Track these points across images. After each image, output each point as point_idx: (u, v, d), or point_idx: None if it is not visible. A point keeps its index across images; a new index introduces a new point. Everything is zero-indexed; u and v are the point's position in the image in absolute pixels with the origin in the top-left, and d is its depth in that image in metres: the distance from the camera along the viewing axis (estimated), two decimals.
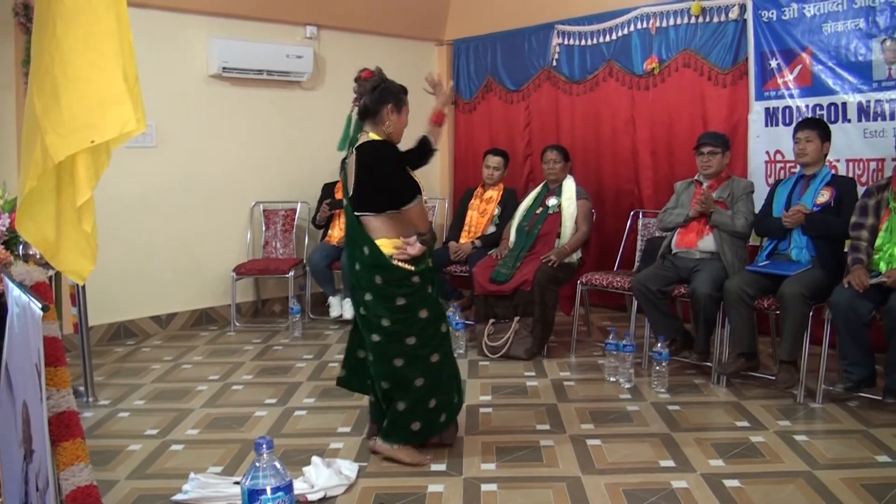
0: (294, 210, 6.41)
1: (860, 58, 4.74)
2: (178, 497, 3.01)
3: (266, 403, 4.20)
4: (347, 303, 5.93)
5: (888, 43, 4.61)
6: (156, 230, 5.80)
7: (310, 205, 6.42)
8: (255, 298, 6.43)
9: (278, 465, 2.08)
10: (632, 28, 5.94)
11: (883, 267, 3.89)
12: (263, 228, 6.35)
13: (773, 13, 5.11)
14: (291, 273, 5.90)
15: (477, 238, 5.70)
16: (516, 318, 5.01)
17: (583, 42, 6.29)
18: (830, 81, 4.89)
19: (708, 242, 4.61)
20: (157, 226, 5.80)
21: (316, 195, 6.32)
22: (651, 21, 5.80)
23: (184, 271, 5.98)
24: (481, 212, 5.82)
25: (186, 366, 4.99)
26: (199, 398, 4.31)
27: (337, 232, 6.09)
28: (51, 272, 2.44)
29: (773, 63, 5.14)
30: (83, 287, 4.14)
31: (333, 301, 6.03)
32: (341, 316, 5.98)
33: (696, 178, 4.85)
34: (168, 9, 5.70)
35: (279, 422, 3.91)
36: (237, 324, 6.01)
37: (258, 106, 6.29)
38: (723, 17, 5.41)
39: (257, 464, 2.04)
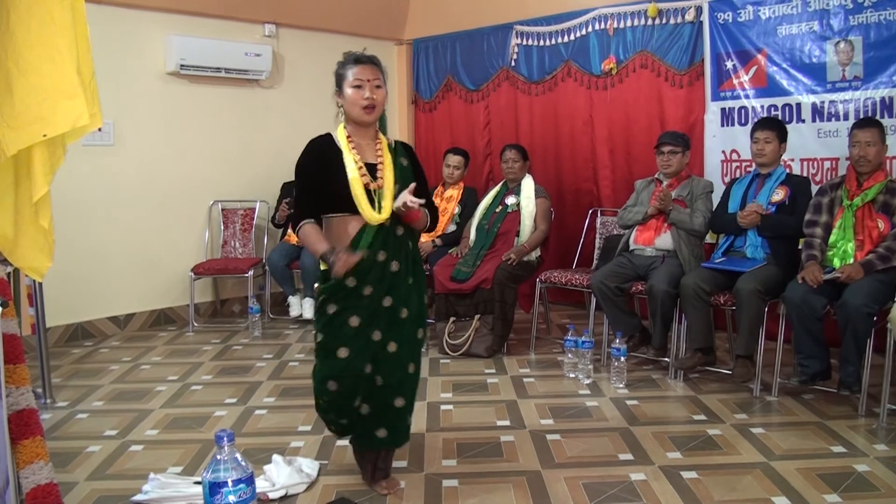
0: (253, 209, 6.36)
1: (814, 59, 4.85)
2: (138, 497, 2.97)
3: (226, 403, 4.15)
4: (307, 302, 5.91)
5: (842, 45, 4.72)
6: (113, 230, 5.71)
7: (269, 204, 6.38)
8: (214, 298, 6.37)
9: (239, 458, 2.07)
10: (589, 29, 6.00)
11: (836, 263, 3.98)
12: (222, 228, 6.28)
13: (728, 15, 5.20)
14: (251, 272, 5.86)
15: (437, 237, 5.70)
16: (477, 316, 5.02)
17: (541, 42, 6.34)
18: (785, 82, 4.99)
19: (665, 240, 4.66)
20: (114, 225, 5.72)
21: (275, 194, 6.29)
22: (608, 22, 5.87)
23: (142, 271, 5.90)
24: (442, 210, 5.81)
25: (145, 366, 4.93)
26: (158, 399, 4.25)
27: None
28: (8, 269, 2.39)
29: (729, 64, 5.23)
30: (40, 287, 4.06)
31: (293, 300, 6.00)
32: (301, 315, 5.96)
33: (656, 176, 4.91)
34: (126, 5, 5.62)
35: (239, 421, 3.87)
36: (196, 324, 5.94)
37: (216, 104, 6.23)
38: (679, 19, 5.50)
39: (218, 456, 2.02)
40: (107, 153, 5.63)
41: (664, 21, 5.58)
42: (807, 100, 4.90)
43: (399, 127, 7.56)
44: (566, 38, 6.17)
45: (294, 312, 5.99)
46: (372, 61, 2.88)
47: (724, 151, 5.33)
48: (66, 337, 5.54)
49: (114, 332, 5.78)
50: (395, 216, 2.84)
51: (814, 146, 4.89)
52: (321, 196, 2.85)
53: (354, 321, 2.80)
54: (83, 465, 3.34)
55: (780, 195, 4.33)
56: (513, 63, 6.56)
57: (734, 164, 5.29)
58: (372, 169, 2.85)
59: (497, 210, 5.35)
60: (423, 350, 2.91)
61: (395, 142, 2.99)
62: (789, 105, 4.98)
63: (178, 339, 5.65)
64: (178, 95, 6.01)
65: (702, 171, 5.40)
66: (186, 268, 5.95)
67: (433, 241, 5.67)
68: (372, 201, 2.80)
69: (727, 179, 5.19)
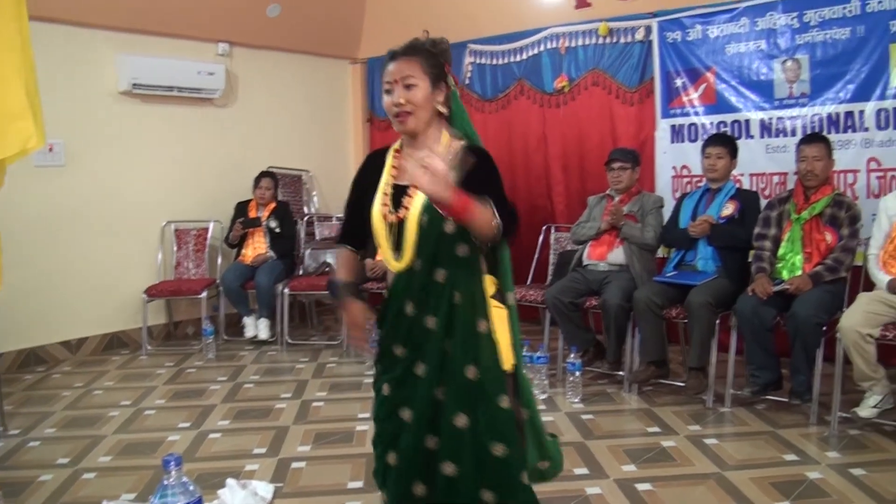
0: (206, 229, 6.28)
1: (762, 77, 4.96)
2: None
3: (179, 427, 4.07)
4: (262, 323, 5.85)
5: (789, 63, 4.84)
6: (64, 252, 5.60)
7: (223, 224, 6.31)
8: (168, 321, 6.26)
9: (187, 482, 2.02)
10: (542, 48, 6.07)
11: (785, 275, 4.05)
12: (175, 248, 6.19)
13: (677, 34, 5.30)
14: (204, 294, 5.78)
15: None
16: None
17: (494, 61, 6.39)
18: (734, 99, 5.10)
19: (618, 255, 4.70)
20: (65, 247, 5.60)
21: (229, 214, 6.22)
22: (560, 41, 5.94)
23: (94, 294, 5.78)
24: None
25: (98, 392, 4.82)
26: (111, 424, 4.16)
27: (251, 251, 6.02)
28: None
29: (679, 82, 5.33)
30: None
31: (248, 321, 5.93)
32: (256, 336, 5.88)
33: (607, 192, 4.95)
34: (77, 24, 5.54)
35: (193, 445, 3.80)
36: (149, 347, 5.82)
37: (169, 123, 6.16)
38: (629, 38, 5.58)
39: (165, 482, 1.98)
40: (58, 174, 5.53)
41: (615, 40, 5.66)
42: (755, 116, 5.01)
43: (355, 145, 7.54)
44: (519, 57, 6.23)
45: (249, 333, 5.91)
46: (408, 52, 2.14)
47: (674, 167, 5.41)
48: (18, 363, 5.40)
49: (66, 357, 5.65)
50: (430, 260, 2.10)
51: (762, 161, 4.99)
52: (363, 213, 2.21)
53: (386, 389, 2.19)
54: (35, 494, 3.24)
55: (729, 209, 4.40)
56: (467, 81, 6.60)
57: (685, 180, 5.37)
58: (403, 193, 2.12)
59: None
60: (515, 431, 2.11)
61: (464, 148, 2.12)
62: (738, 121, 5.08)
63: (131, 363, 5.54)
64: (131, 115, 5.92)
65: (653, 186, 5.47)
66: (139, 290, 5.84)
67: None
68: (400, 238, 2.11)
69: (678, 194, 5.26)
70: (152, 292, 5.78)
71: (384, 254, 2.17)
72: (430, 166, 1.82)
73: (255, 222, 6.02)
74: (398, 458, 2.12)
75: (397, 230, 2.11)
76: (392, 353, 2.18)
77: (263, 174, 6.19)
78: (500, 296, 2.21)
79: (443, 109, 2.15)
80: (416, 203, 2.08)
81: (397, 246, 2.12)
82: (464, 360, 2.07)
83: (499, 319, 2.16)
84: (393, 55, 2.15)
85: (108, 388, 4.89)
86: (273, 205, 6.14)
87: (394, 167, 2.19)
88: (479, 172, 2.06)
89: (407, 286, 2.13)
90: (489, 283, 2.17)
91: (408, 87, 2.09)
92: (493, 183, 2.08)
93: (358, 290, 2.24)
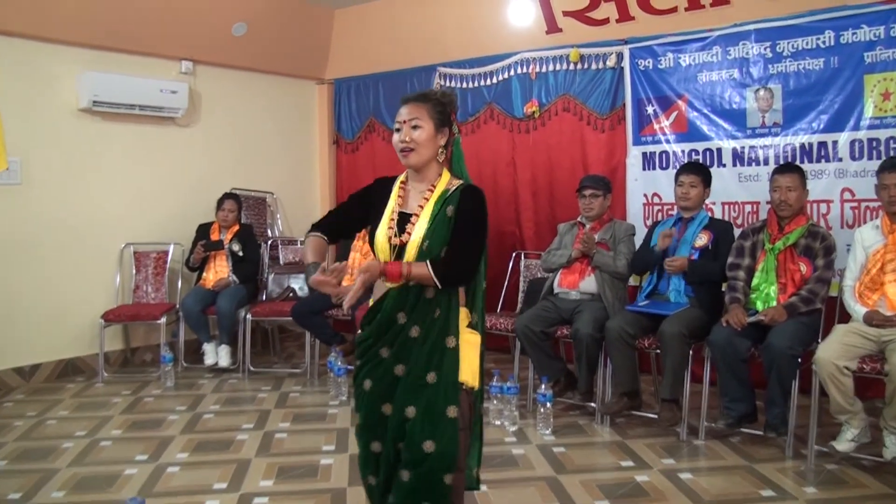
0: (166, 252, 6.15)
1: (735, 106, 4.99)
2: None
3: (136, 460, 3.91)
4: (223, 350, 5.72)
5: (762, 92, 4.87)
6: (18, 274, 5.43)
7: (183, 246, 6.16)
8: (125, 347, 6.08)
9: None
10: (512, 72, 6.05)
11: (759, 305, 4.04)
12: (134, 271, 6.04)
13: (649, 62, 5.31)
14: (163, 319, 5.64)
15: None
16: None
17: (464, 85, 6.35)
18: (706, 128, 5.11)
19: (589, 283, 4.67)
20: (19, 269, 5.43)
21: (190, 236, 6.08)
22: (531, 66, 5.93)
23: (48, 319, 5.59)
24: (364, 253, 5.72)
25: (51, 421, 4.63)
26: (64, 457, 3.98)
27: (212, 275, 5.90)
28: None
29: (650, 109, 5.33)
30: None
31: (208, 348, 5.77)
32: (216, 364, 5.73)
33: (578, 219, 4.92)
34: (38, 39, 5.41)
35: (151, 480, 3.64)
36: (105, 374, 5.64)
37: (130, 142, 6.03)
38: (601, 65, 5.59)
39: None
40: (13, 193, 5.37)
41: (586, 66, 5.66)
42: (727, 145, 5.02)
43: (321, 168, 7.46)
44: (489, 81, 6.20)
45: (209, 361, 5.76)
46: (419, 99, 2.50)
47: (645, 195, 5.41)
48: None
49: (18, 385, 5.44)
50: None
51: (735, 190, 5.00)
52: (348, 223, 2.61)
53: (367, 384, 2.48)
54: None
55: (703, 240, 4.39)
56: None
57: (656, 208, 5.36)
58: (407, 220, 2.47)
59: None
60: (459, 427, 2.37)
61: (461, 186, 2.48)
62: (710, 150, 5.10)
63: (87, 391, 5.35)
64: (91, 133, 5.79)
65: (624, 214, 5.45)
66: (96, 314, 5.67)
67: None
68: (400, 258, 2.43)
69: (649, 222, 5.25)
70: (109, 317, 5.63)
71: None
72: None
73: (218, 245, 5.91)
74: (383, 446, 2.45)
75: (399, 252, 2.42)
76: (378, 355, 2.46)
77: (226, 196, 6.09)
78: (474, 325, 2.51)
79: (442, 151, 2.49)
80: (417, 230, 2.41)
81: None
82: (427, 367, 2.40)
83: (470, 344, 2.46)
84: (406, 100, 2.51)
85: (62, 418, 4.71)
86: (236, 227, 6.05)
87: (399, 196, 2.51)
88: (465, 217, 2.42)
89: (402, 299, 2.42)
90: (464, 314, 2.47)
91: (414, 127, 2.44)
92: (467, 232, 2.42)
93: (318, 265, 2.41)
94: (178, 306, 5.88)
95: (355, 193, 2.65)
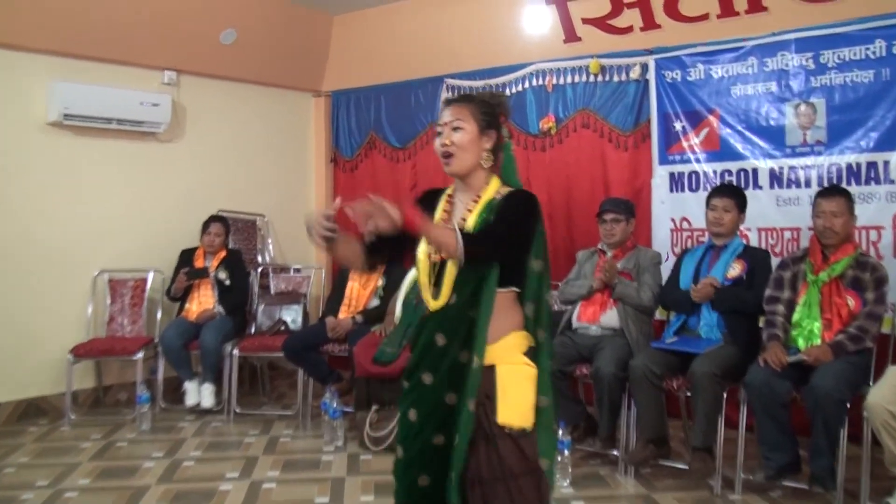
0: (145, 280, 6.14)
1: (772, 122, 4.97)
2: None
3: None
4: (206, 389, 5.69)
5: (803, 107, 4.85)
6: None
7: (164, 274, 6.17)
8: (97, 385, 6.05)
9: None
10: (527, 84, 6.05)
11: (801, 343, 3.99)
12: (108, 301, 6.03)
13: (677, 74, 5.31)
14: (140, 354, 5.61)
15: (358, 313, 5.59)
16: None
17: None
18: (740, 146, 5.09)
19: (611, 317, 4.64)
20: None
21: (172, 262, 6.09)
22: (547, 78, 5.93)
23: (10, 353, 5.56)
24: (363, 283, 5.71)
25: (9, 469, 4.60)
26: None
27: (196, 306, 5.90)
28: None
29: (678, 125, 5.32)
30: None
31: (189, 387, 5.74)
32: (198, 404, 5.70)
33: (598, 246, 4.91)
34: (2, 46, 5.43)
35: None
36: (73, 416, 5.59)
37: (105, 159, 6.04)
38: (624, 77, 5.59)
39: None
40: None
41: (607, 78, 5.66)
42: (764, 165, 4.99)
43: (316, 188, 7.47)
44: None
45: (190, 401, 5.72)
46: (462, 100, 2.54)
47: (673, 219, 5.38)
48: None
49: None
50: (466, 298, 2.37)
51: (773, 214, 4.96)
52: (388, 239, 2.42)
53: (412, 415, 2.46)
54: None
55: (736, 270, 4.36)
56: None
57: (685, 234, 5.32)
58: None
59: None
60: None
61: (507, 194, 2.46)
62: (745, 170, 5.07)
63: (51, 434, 5.32)
64: (61, 149, 5.80)
65: (649, 240, 5.42)
66: (64, 349, 5.63)
67: (353, 317, 5.54)
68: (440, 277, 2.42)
69: (677, 250, 5.22)
70: (80, 352, 5.61)
71: (424, 291, 2.47)
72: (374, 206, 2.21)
73: (202, 273, 5.90)
74: (430, 479, 2.42)
75: (438, 270, 2.42)
76: (421, 381, 2.44)
77: (213, 219, 6.09)
78: (534, 353, 2.41)
79: (487, 155, 2.46)
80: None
81: (437, 284, 2.42)
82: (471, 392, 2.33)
83: (524, 377, 2.37)
84: (448, 102, 2.53)
85: (22, 465, 4.67)
86: (223, 253, 6.04)
87: (445, 210, 2.53)
88: (505, 207, 2.39)
89: (441, 321, 2.40)
90: (521, 339, 2.39)
91: (455, 129, 2.44)
92: (506, 214, 2.38)
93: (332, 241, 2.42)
94: (156, 340, 5.86)
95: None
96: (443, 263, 2.40)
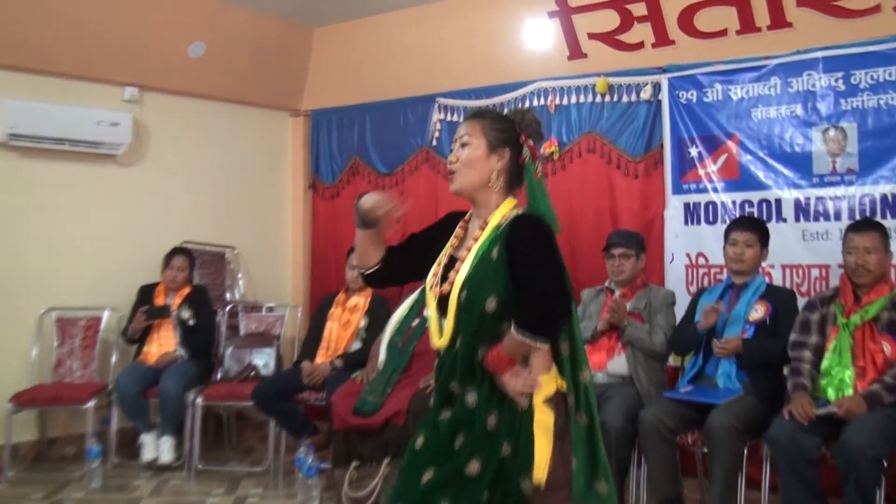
0: (99, 319, 6.13)
1: (798, 148, 4.99)
2: None
3: None
4: (166, 442, 5.66)
5: (832, 133, 4.87)
6: None
7: (121, 312, 6.16)
8: (40, 437, 6.01)
9: None
10: (527, 104, 6.06)
11: (831, 394, 3.97)
12: (56, 343, 6.01)
13: (692, 94, 5.34)
14: (92, 403, 5.58)
15: (338, 357, 5.59)
16: (386, 460, 4.83)
17: None
18: (762, 174, 5.10)
19: (619, 363, 4.66)
20: None
21: (130, 300, 6.09)
22: (550, 98, 5.96)
23: None
24: (343, 323, 5.70)
25: None
26: None
27: (155, 348, 5.88)
28: None
29: (694, 151, 5.34)
30: None
31: (147, 440, 5.70)
32: (156, 459, 5.66)
33: (606, 284, 4.93)
34: None
35: None
36: (12, 472, 5.55)
37: (57, 184, 6.06)
38: (633, 97, 5.62)
39: None
40: None
41: (616, 98, 5.69)
42: (789, 195, 5.01)
43: (293, 217, 7.48)
44: None
45: (148, 455, 5.68)
46: (476, 115, 2.62)
47: (688, 254, 5.38)
48: None
49: None
50: (471, 339, 2.43)
51: (798, 250, 4.97)
52: (404, 261, 2.69)
53: (419, 442, 2.53)
54: None
55: (759, 312, 4.37)
56: (434, 142, 6.58)
57: (701, 271, 5.33)
58: (453, 265, 2.54)
59: (414, 324, 5.26)
60: None
61: (513, 219, 2.48)
62: (767, 200, 5.08)
63: None
64: (6, 172, 5.83)
65: (662, 278, 5.43)
66: (4, 396, 5.60)
67: (332, 361, 5.54)
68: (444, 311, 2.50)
69: (693, 289, 5.22)
70: (22, 400, 5.58)
71: (431, 327, 2.56)
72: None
73: (163, 312, 5.90)
74: (398, 484, 2.51)
75: (444, 304, 2.47)
76: (439, 413, 2.52)
77: (176, 251, 6.11)
78: (560, 397, 2.43)
79: (497, 176, 2.50)
80: (458, 278, 2.44)
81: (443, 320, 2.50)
82: (470, 453, 2.38)
83: (539, 428, 2.37)
84: (466, 117, 2.63)
85: None
86: (187, 290, 6.06)
87: (456, 237, 2.61)
88: (521, 249, 2.37)
89: (451, 366, 2.47)
90: (546, 382, 2.40)
91: (463, 145, 2.52)
92: (531, 263, 2.36)
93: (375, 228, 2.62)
94: (110, 387, 5.82)
95: (429, 227, 2.76)
96: (445, 298, 2.46)
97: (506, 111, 5.95)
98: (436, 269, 2.56)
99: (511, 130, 2.53)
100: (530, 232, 2.40)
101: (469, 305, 2.39)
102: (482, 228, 2.49)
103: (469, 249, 2.48)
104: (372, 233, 2.60)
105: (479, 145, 2.49)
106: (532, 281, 2.33)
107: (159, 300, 5.96)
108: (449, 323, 2.46)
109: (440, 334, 2.50)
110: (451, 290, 2.44)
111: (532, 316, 2.31)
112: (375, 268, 2.65)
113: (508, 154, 2.51)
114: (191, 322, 5.92)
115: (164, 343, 5.89)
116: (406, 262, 2.68)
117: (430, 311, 2.55)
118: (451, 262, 2.53)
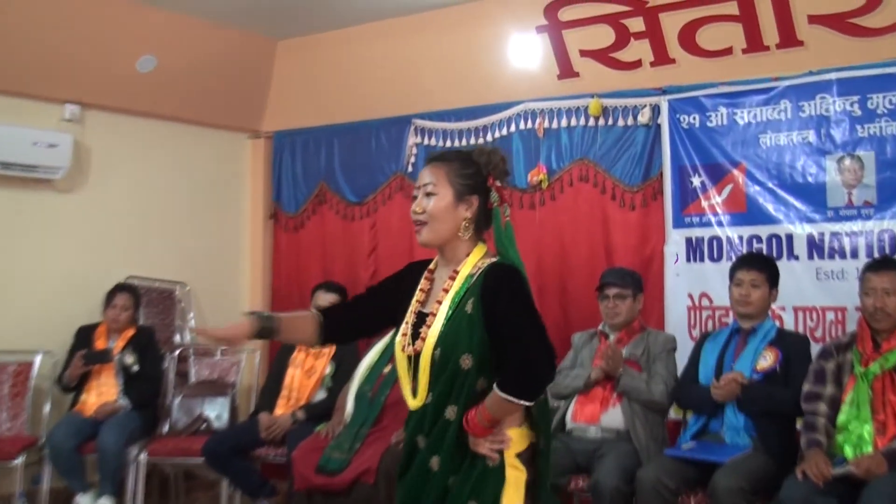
0: (30, 364, 6.07)
1: (810, 178, 5.02)
2: None
3: None
4: (105, 503, 5.57)
5: (847, 162, 4.90)
6: None
7: (55, 357, 6.11)
8: None
9: None
10: (513, 128, 6.11)
11: (849, 452, 3.97)
12: None
13: (694, 118, 5.38)
14: (20, 459, 5.53)
15: (300, 408, 5.58)
16: None
17: (448, 142, 6.40)
18: (771, 207, 5.13)
19: (615, 416, 4.66)
20: None
21: (66, 343, 6.03)
22: (538, 120, 5.98)
23: None
24: (307, 370, 5.69)
25: None
26: None
27: (94, 398, 5.82)
28: None
29: (696, 181, 5.36)
30: None
31: (83, 501, 5.62)
32: None
33: (599, 328, 4.93)
34: None
35: None
36: None
37: None
38: (630, 121, 5.64)
39: None
40: None
41: (611, 122, 5.71)
42: (801, 230, 5.03)
43: (252, 250, 7.46)
44: (482, 139, 6.25)
45: None
46: (439, 158, 2.72)
47: (690, 295, 5.39)
48: None
49: None
50: (443, 396, 2.51)
51: (811, 291, 4.98)
52: (356, 318, 2.82)
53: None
54: None
55: (768, 360, 4.38)
56: (409, 168, 6.59)
57: (704, 313, 5.34)
58: (423, 321, 2.61)
59: (385, 371, 5.25)
60: None
61: (486, 269, 2.58)
62: (777, 236, 5.10)
63: None
64: None
65: (661, 321, 5.44)
66: None
67: (294, 413, 5.51)
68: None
69: (696, 333, 5.23)
70: None
71: (403, 388, 2.61)
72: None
73: (104, 356, 5.85)
74: None
75: (415, 364, 2.54)
76: (403, 481, 2.65)
77: (119, 288, 6.08)
78: (529, 453, 2.54)
79: (466, 225, 2.59)
80: (430, 335, 2.50)
81: (415, 380, 2.56)
82: (468, 496, 2.47)
83: (512, 483, 2.48)
84: (427, 160, 2.72)
85: None
86: (131, 331, 6.02)
87: (422, 290, 2.66)
88: (500, 305, 2.47)
89: (419, 421, 2.55)
90: (519, 437, 2.51)
91: (428, 195, 2.60)
92: (513, 319, 2.46)
93: (271, 321, 2.64)
94: (42, 441, 5.76)
95: (384, 279, 2.87)
96: (416, 357, 2.53)
97: (491, 137, 6.05)
98: (404, 328, 2.62)
99: (478, 175, 2.61)
100: (506, 284, 2.50)
101: (443, 363, 2.46)
102: (452, 279, 2.57)
103: (440, 302, 2.55)
104: (281, 333, 2.67)
105: (445, 195, 2.58)
106: (515, 339, 2.42)
107: (100, 343, 5.91)
108: (423, 382, 2.52)
109: (414, 395, 2.56)
110: (423, 347, 2.51)
111: (518, 376, 2.39)
112: (321, 338, 2.73)
113: (476, 202, 2.60)
114: (135, 368, 5.87)
115: (104, 391, 5.83)
116: (357, 318, 2.80)
117: (401, 370, 2.59)
118: (421, 318, 2.59)
